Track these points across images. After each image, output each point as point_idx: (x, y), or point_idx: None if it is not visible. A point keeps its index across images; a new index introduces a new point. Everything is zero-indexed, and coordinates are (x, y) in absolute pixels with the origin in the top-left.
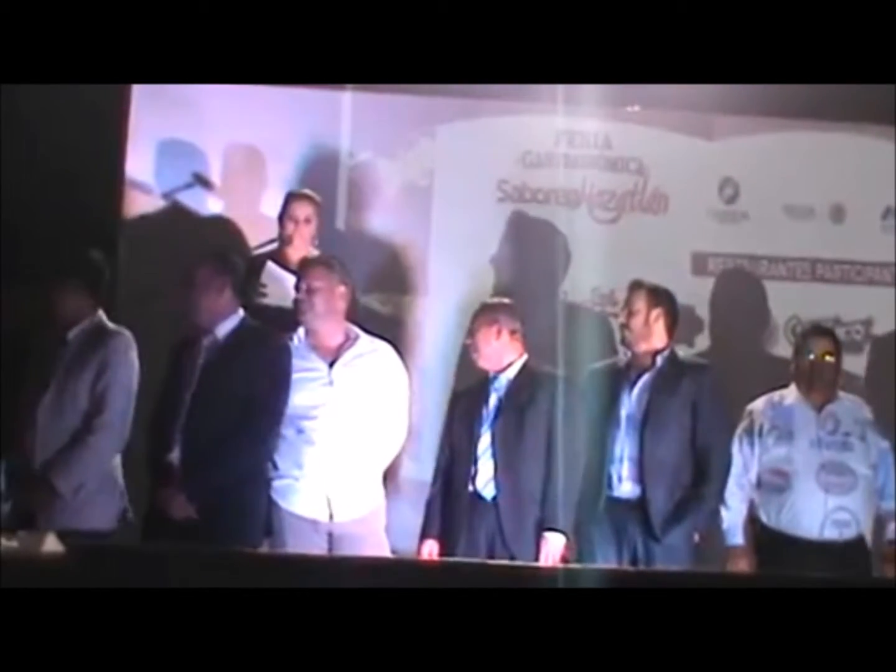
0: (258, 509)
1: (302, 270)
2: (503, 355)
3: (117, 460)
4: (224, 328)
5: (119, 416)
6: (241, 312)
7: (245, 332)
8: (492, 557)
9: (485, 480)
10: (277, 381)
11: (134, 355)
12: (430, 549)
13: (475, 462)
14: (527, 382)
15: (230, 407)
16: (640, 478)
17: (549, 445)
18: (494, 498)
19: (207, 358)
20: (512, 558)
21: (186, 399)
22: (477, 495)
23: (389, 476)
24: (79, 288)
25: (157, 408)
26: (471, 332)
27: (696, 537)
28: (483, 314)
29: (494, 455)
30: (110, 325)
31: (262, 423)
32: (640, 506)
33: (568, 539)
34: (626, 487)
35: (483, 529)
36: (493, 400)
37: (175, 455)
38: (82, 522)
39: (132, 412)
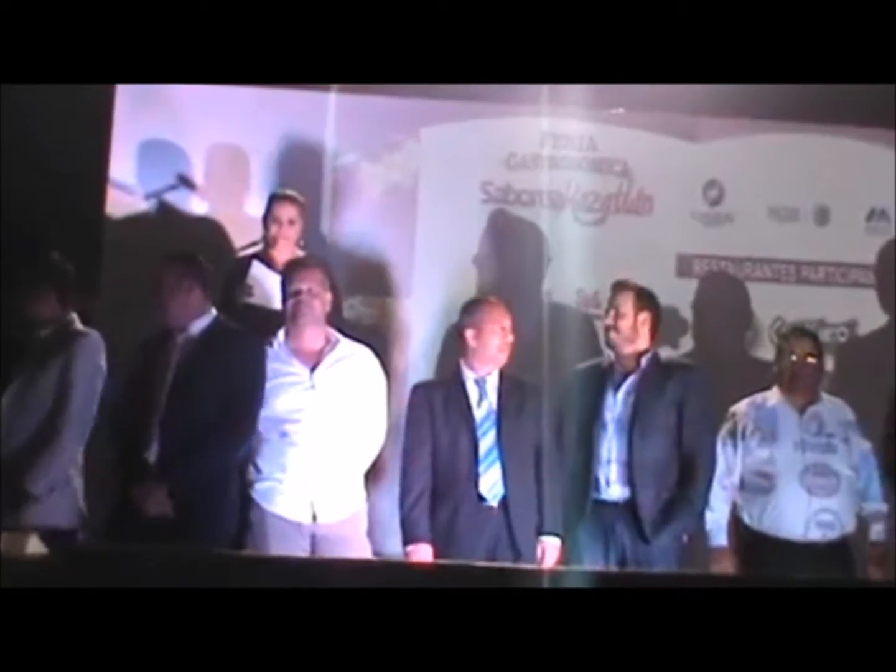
0: (234, 507)
1: (293, 273)
2: (502, 357)
3: (76, 459)
4: (197, 326)
5: (79, 417)
6: (213, 312)
7: (218, 331)
8: (493, 561)
9: (490, 484)
10: (253, 379)
11: (99, 358)
12: (424, 553)
13: (477, 465)
14: (517, 386)
15: (208, 403)
16: (630, 480)
17: (541, 450)
18: (502, 501)
19: (182, 355)
20: (516, 561)
21: (162, 396)
22: (481, 498)
23: (371, 478)
24: (44, 291)
25: (129, 404)
26: (477, 326)
27: (685, 538)
28: (497, 311)
29: (501, 459)
30: (79, 327)
31: (240, 420)
32: (628, 508)
33: (564, 543)
34: (614, 490)
35: (485, 533)
36: (484, 404)
37: (153, 451)
38: (44, 521)
39: (94, 413)
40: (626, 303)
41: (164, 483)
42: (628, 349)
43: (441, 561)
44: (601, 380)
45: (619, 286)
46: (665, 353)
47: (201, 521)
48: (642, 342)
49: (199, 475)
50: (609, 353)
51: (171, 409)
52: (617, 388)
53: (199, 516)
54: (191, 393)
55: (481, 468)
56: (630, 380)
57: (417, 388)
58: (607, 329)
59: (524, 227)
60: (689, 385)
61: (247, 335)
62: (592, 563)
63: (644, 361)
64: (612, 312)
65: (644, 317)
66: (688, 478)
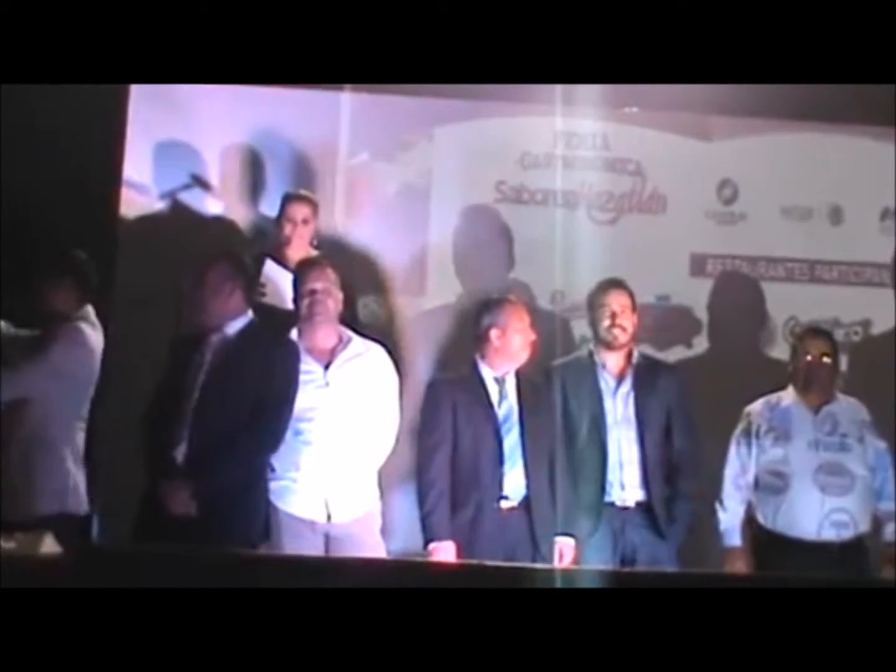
0: (260, 509)
1: (307, 272)
2: (524, 356)
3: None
4: (233, 327)
5: (63, 408)
6: (249, 313)
7: (253, 332)
8: (513, 560)
9: (514, 484)
10: (287, 381)
11: (76, 347)
12: (448, 551)
13: (501, 465)
14: (533, 385)
15: (241, 405)
16: (645, 482)
17: (554, 450)
18: (524, 501)
19: (216, 355)
20: (535, 561)
21: (194, 395)
22: (504, 498)
23: (384, 477)
24: (64, 285)
25: (159, 402)
26: (501, 325)
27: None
28: (520, 310)
29: (524, 458)
30: (85, 322)
31: (273, 422)
32: (641, 509)
33: (577, 543)
34: (629, 493)
35: (508, 533)
36: (505, 403)
37: (181, 450)
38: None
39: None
40: (628, 304)
41: (189, 482)
42: (626, 349)
43: (452, 560)
44: (591, 378)
45: (619, 285)
46: (676, 352)
47: (224, 523)
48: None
49: (225, 477)
50: (590, 349)
51: (201, 408)
52: (615, 390)
53: (222, 518)
54: (223, 393)
55: (505, 468)
56: (625, 381)
57: (437, 384)
58: (612, 327)
59: (539, 226)
60: (676, 382)
61: (281, 338)
62: (602, 564)
63: (634, 360)
64: (618, 311)
65: (636, 317)
66: (684, 472)
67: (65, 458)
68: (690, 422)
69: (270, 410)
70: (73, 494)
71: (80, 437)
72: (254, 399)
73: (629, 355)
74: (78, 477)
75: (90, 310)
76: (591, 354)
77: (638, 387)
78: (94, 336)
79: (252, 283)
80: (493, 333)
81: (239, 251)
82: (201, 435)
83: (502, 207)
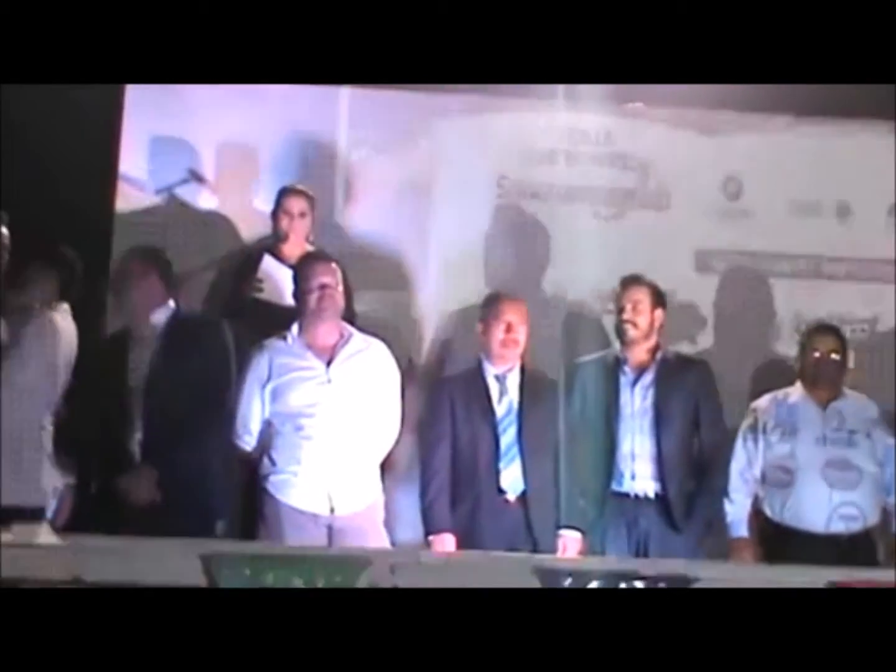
0: (218, 491)
1: (314, 267)
2: (508, 353)
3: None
4: (158, 317)
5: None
6: (171, 304)
7: (178, 321)
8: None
9: (510, 479)
10: (219, 360)
11: (45, 338)
12: (448, 543)
13: (498, 461)
14: (536, 381)
15: (184, 389)
16: (660, 475)
17: (559, 444)
18: (521, 496)
19: (151, 345)
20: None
21: (141, 385)
22: (501, 492)
23: (387, 470)
24: (46, 277)
25: (110, 395)
26: (484, 320)
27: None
28: (504, 307)
29: (522, 454)
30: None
31: (215, 403)
32: (656, 502)
33: (584, 537)
34: (642, 485)
35: (505, 526)
36: (505, 400)
37: (137, 439)
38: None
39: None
40: (644, 299)
41: (154, 470)
42: (643, 345)
43: (456, 558)
44: (612, 373)
45: (634, 281)
46: (681, 349)
47: (188, 507)
48: (654, 338)
49: (186, 459)
50: (617, 347)
51: (151, 396)
52: (633, 383)
53: (186, 501)
54: (167, 380)
55: (502, 464)
56: (646, 375)
57: (438, 384)
58: (622, 323)
59: (539, 222)
60: (703, 379)
61: (204, 322)
62: (617, 554)
63: (658, 357)
64: (628, 307)
65: (659, 314)
66: (710, 468)
67: (26, 449)
68: (718, 417)
69: (208, 392)
70: (33, 487)
71: (47, 430)
72: (194, 382)
73: (654, 351)
74: (39, 468)
75: (66, 307)
76: (616, 351)
77: (660, 381)
78: (68, 330)
79: (170, 275)
80: (479, 328)
81: (154, 247)
82: (155, 422)
83: (504, 203)
